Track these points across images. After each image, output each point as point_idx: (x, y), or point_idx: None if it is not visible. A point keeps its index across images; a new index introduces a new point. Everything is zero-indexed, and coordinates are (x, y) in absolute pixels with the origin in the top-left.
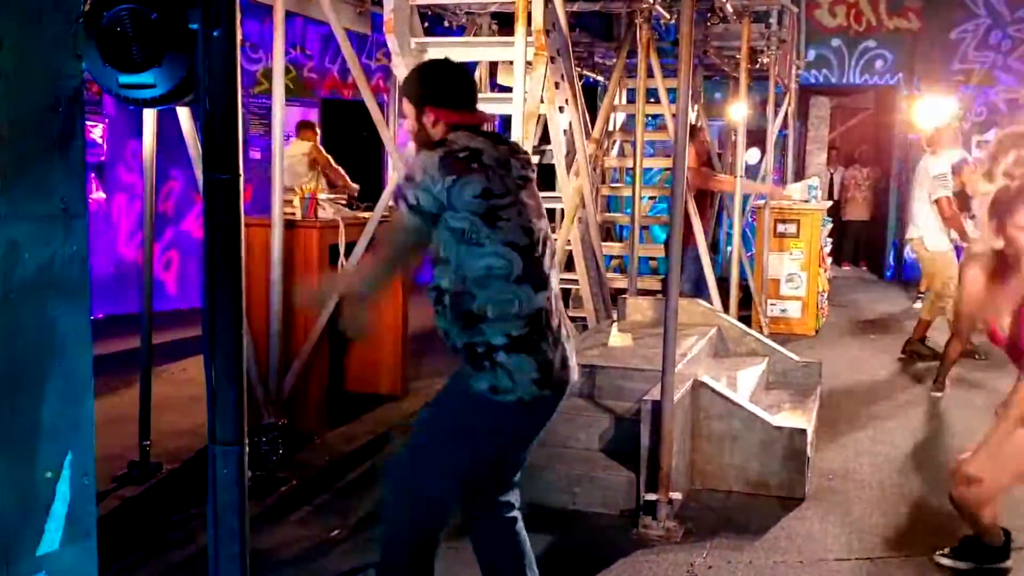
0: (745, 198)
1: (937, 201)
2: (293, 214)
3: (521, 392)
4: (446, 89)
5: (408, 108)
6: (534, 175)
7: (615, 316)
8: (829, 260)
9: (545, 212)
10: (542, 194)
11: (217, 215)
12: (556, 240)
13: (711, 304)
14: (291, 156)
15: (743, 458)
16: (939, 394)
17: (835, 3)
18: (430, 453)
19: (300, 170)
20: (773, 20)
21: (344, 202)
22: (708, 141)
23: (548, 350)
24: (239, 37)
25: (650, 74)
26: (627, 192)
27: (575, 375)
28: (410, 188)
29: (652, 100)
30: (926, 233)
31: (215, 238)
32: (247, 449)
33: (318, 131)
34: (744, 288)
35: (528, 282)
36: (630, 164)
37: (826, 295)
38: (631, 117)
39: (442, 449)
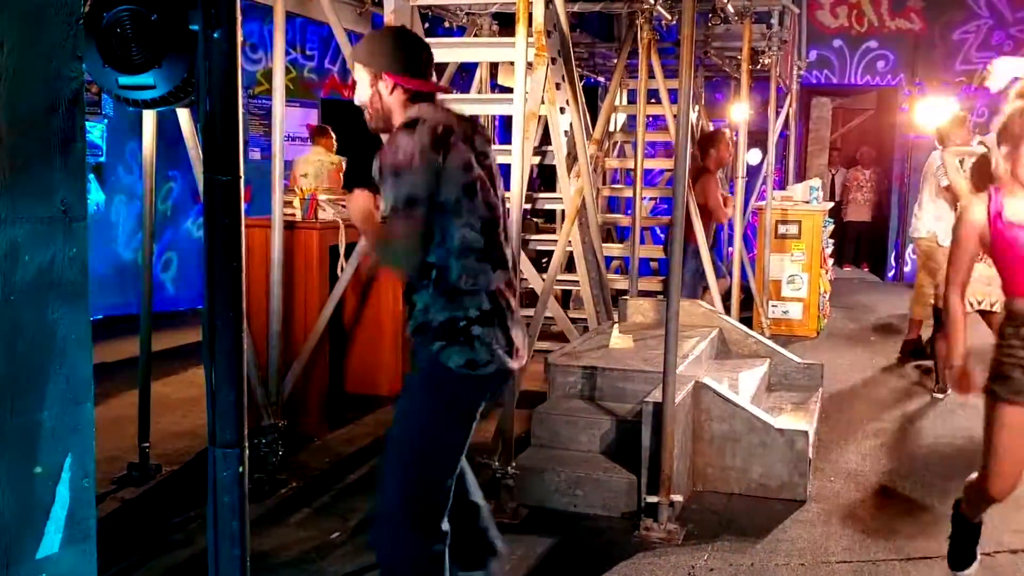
0: (746, 200)
1: (948, 187)
2: (293, 215)
3: (498, 363)
4: (406, 56)
5: (362, 74)
6: (492, 151)
7: (616, 317)
8: (830, 261)
9: (501, 186)
10: (542, 195)
11: (217, 216)
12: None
13: (711, 302)
14: (320, 162)
15: (744, 460)
16: (942, 395)
17: (836, 4)
18: (429, 441)
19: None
20: (774, 21)
21: (344, 204)
22: (730, 145)
23: (510, 326)
24: (240, 38)
25: (651, 75)
26: (628, 193)
27: (526, 356)
28: (410, 177)
29: (653, 101)
30: (939, 229)
31: (215, 239)
32: (247, 451)
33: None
34: (745, 289)
35: (488, 261)
36: (631, 165)
37: (827, 296)
38: (632, 118)
39: (438, 434)
